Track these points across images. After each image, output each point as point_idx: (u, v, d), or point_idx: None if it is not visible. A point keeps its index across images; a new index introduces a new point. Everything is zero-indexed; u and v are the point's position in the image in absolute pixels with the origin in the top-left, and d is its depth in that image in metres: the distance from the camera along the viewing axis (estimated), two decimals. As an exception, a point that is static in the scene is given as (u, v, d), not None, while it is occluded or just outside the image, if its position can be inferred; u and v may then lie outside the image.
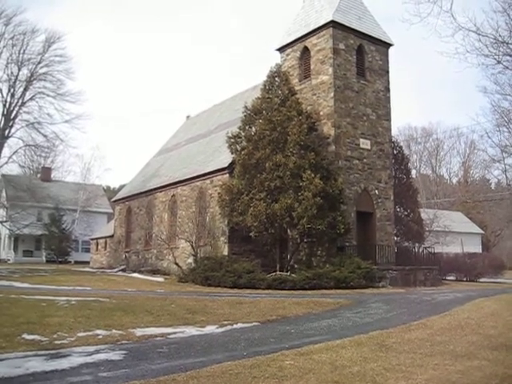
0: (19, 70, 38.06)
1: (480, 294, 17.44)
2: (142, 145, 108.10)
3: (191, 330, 9.32)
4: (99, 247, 40.47)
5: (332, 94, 22.59)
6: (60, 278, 22.75)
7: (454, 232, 41.24)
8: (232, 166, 22.84)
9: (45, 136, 37.81)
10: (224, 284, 19.24)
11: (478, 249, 47.70)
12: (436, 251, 25.92)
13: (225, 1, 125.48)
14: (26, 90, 38.51)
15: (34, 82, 38.98)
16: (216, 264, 20.89)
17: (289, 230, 21.63)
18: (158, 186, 30.34)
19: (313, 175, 19.74)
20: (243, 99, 26.54)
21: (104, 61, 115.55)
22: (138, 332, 8.91)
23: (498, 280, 30.39)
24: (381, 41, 24.97)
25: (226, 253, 22.89)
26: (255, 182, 20.63)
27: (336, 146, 22.36)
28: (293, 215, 19.74)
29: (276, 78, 23.05)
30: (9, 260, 47.41)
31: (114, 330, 8.89)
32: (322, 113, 22.96)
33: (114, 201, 37.61)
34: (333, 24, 22.95)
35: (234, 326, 9.93)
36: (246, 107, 22.67)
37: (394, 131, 32.44)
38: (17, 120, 38.41)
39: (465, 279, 29.89)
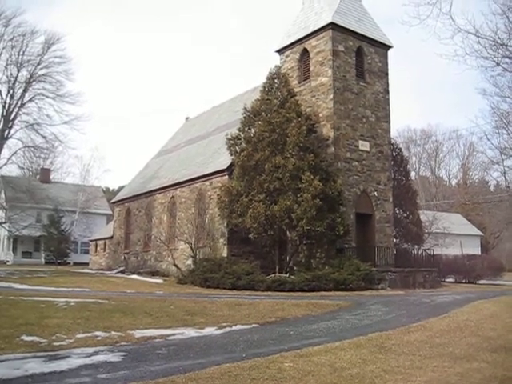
0: (18, 71, 38.01)
1: (479, 296, 17.40)
2: (142, 146, 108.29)
3: (190, 332, 9.31)
4: (98, 249, 40.44)
5: (331, 96, 22.62)
6: (59, 279, 22.72)
7: (453, 234, 41.26)
8: (231, 167, 22.85)
9: (44, 137, 37.74)
10: (223, 285, 19.25)
11: (477, 251, 47.71)
12: (435, 253, 25.96)
13: (225, 1, 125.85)
14: (25, 91, 38.48)
15: (34, 83, 38.94)
16: (215, 265, 20.89)
17: (288, 232, 21.62)
18: (158, 187, 30.33)
19: (312, 177, 19.76)
20: (243, 101, 26.59)
21: (104, 61, 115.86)
22: (137, 333, 8.90)
23: (497, 282, 30.38)
24: (380, 43, 25.01)
25: (225, 254, 22.89)
26: (254, 184, 20.63)
27: (335, 148, 22.38)
28: (292, 217, 19.74)
29: (275, 80, 23.07)
30: (8, 261, 47.25)
31: (112, 332, 8.88)
32: (321, 114, 22.98)
33: (113, 202, 37.61)
34: (332, 26, 23.00)
35: (233, 327, 9.93)
36: (245, 109, 22.67)
37: (394, 133, 32.58)
38: (16, 121, 38.35)
39: (464, 281, 29.87)
